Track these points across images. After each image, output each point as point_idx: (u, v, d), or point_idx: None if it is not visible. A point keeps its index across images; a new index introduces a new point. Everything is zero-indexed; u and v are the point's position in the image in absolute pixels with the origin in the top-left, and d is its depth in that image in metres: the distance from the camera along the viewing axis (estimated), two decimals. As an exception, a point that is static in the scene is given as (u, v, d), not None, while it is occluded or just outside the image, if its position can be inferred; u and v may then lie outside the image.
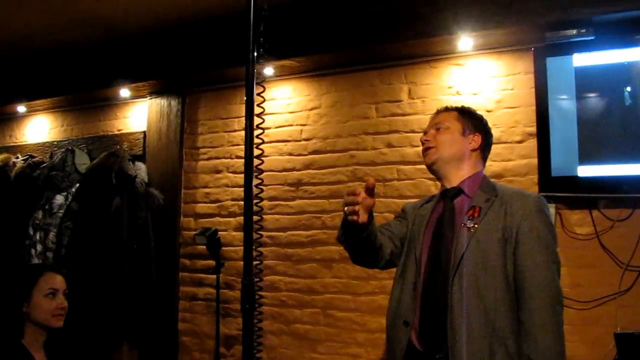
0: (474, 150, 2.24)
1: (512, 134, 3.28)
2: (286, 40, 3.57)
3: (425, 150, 2.28)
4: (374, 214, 2.04)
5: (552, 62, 3.09)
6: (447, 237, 2.14)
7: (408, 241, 2.29)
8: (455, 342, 1.99)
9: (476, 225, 2.08)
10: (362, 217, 1.94)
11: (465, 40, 3.29)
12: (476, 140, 2.25)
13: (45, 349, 2.42)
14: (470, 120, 2.28)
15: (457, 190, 2.21)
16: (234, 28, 3.69)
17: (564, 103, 3.06)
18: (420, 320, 2.11)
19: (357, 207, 1.91)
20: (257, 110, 1.68)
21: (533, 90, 3.19)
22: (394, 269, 2.32)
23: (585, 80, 3.01)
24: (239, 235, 4.04)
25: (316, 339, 3.73)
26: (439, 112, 2.35)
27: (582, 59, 3.03)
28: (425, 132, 2.31)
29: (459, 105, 2.37)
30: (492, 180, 2.28)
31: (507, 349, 1.95)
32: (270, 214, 3.92)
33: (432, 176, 2.39)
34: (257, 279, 1.65)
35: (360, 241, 2.08)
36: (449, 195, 2.23)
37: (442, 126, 2.26)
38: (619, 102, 2.92)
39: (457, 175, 2.22)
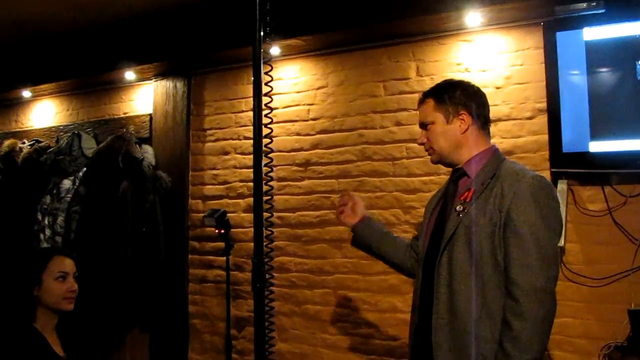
0: (464, 131, 2.15)
1: (522, 110, 3.24)
2: (292, 19, 3.52)
3: (427, 151, 2.26)
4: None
5: (562, 37, 3.03)
6: (444, 222, 2.12)
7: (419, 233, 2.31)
8: (437, 329, 2.00)
9: (465, 210, 2.04)
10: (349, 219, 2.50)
11: (473, 16, 3.23)
12: (463, 119, 2.15)
13: (58, 332, 2.44)
14: (449, 101, 2.16)
15: (462, 172, 2.17)
16: (239, 7, 3.62)
17: (574, 78, 3.01)
18: (419, 306, 2.14)
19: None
20: (264, 89, 1.66)
21: (543, 65, 3.13)
22: None
23: (596, 55, 2.96)
24: (248, 216, 4.03)
25: (327, 320, 3.74)
26: (419, 104, 2.26)
27: (592, 33, 2.97)
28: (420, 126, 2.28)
29: (436, 86, 2.28)
30: (503, 156, 2.21)
31: (493, 335, 1.94)
32: (279, 194, 3.90)
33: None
34: (268, 259, 1.64)
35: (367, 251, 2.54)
36: (453, 178, 2.21)
37: (427, 122, 2.19)
38: (631, 76, 2.87)
39: (461, 160, 2.17)
